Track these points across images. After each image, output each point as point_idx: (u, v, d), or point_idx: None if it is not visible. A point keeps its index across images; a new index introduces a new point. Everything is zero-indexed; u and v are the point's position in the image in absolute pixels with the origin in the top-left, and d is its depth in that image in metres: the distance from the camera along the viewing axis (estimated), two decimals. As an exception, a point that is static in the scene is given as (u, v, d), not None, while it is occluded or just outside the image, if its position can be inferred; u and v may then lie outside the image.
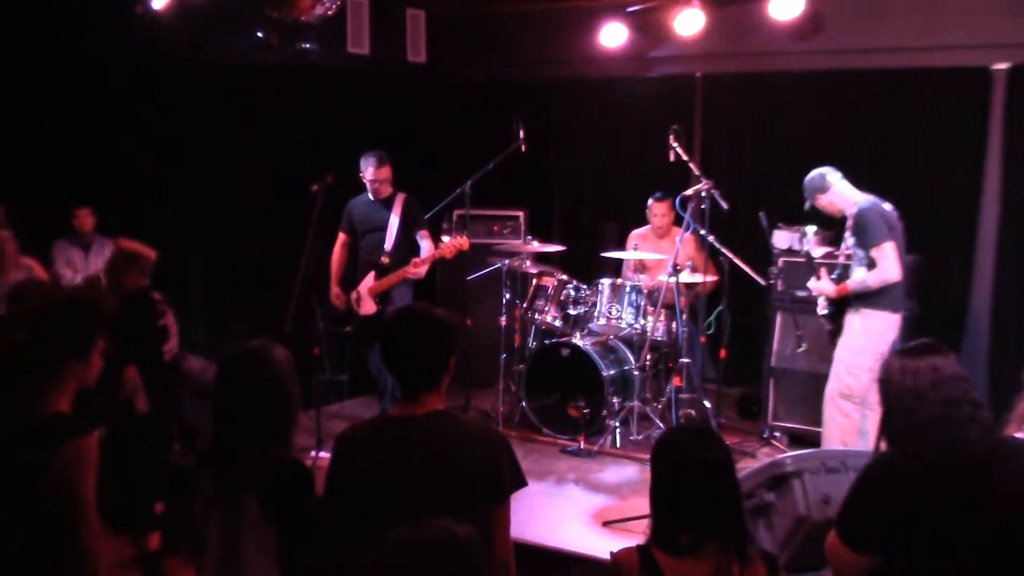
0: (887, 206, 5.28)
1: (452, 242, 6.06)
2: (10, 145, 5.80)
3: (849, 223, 5.28)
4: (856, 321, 5.22)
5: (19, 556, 2.61)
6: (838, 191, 5.33)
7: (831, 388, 5.29)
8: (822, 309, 5.48)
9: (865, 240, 5.14)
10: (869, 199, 5.27)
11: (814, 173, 5.40)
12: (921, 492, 2.39)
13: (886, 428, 2.57)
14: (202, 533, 2.63)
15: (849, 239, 5.32)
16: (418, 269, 6.05)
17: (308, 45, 6.09)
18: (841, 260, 5.48)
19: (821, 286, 5.39)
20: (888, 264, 5.08)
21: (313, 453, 5.51)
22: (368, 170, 6.13)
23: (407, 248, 6.20)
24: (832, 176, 5.35)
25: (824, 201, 5.37)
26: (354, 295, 6.17)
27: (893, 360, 2.57)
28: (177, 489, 4.00)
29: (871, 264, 5.13)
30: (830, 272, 5.47)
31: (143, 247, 4.85)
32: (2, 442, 2.64)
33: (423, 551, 1.71)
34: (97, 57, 5.97)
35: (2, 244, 5.36)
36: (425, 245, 6.21)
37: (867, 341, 5.18)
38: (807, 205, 5.46)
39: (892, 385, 2.52)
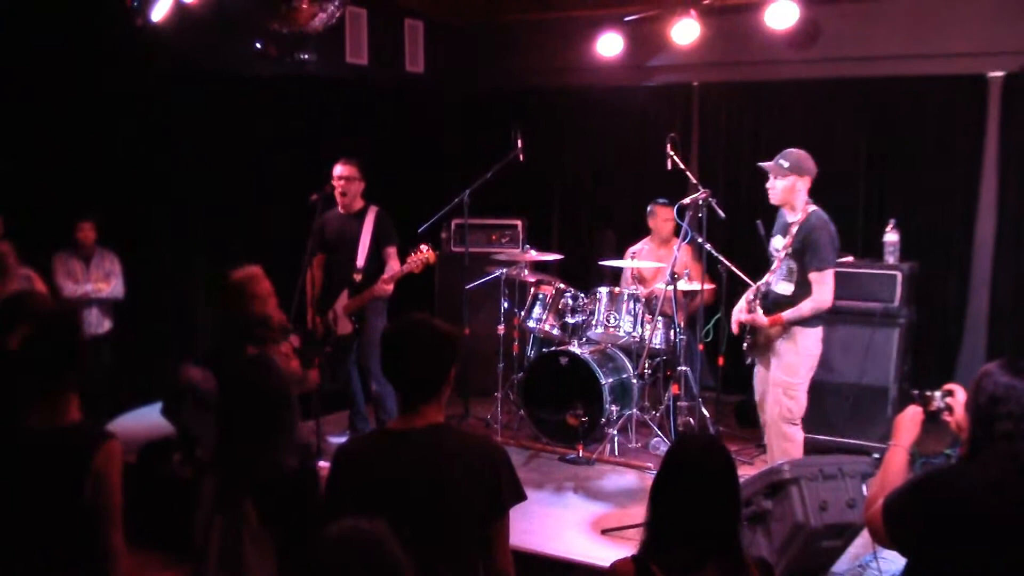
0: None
1: (419, 256, 5.87)
2: (10, 156, 5.82)
3: (793, 228, 4.93)
4: (785, 343, 4.98)
5: (50, 556, 2.67)
6: (805, 187, 4.97)
7: (773, 413, 5.05)
8: (738, 333, 5.18)
9: (812, 258, 4.85)
10: (820, 211, 4.95)
11: (806, 154, 5.00)
12: (970, 516, 2.41)
13: (973, 439, 2.51)
14: (204, 540, 2.66)
15: (782, 240, 5.00)
16: (386, 287, 5.91)
17: (307, 55, 6.11)
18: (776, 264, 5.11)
19: (756, 319, 5.04)
20: (825, 291, 4.84)
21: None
22: (335, 167, 6.00)
23: (378, 264, 6.04)
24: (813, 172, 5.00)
25: (788, 183, 4.93)
26: (331, 315, 6.03)
27: (1000, 375, 2.47)
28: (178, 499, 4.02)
29: (800, 280, 4.90)
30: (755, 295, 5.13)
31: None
32: (36, 450, 2.71)
33: (335, 550, 1.72)
34: (97, 69, 5.99)
35: (3, 256, 5.36)
36: (390, 263, 6.03)
37: (800, 359, 4.97)
38: (769, 165, 4.98)
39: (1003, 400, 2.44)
